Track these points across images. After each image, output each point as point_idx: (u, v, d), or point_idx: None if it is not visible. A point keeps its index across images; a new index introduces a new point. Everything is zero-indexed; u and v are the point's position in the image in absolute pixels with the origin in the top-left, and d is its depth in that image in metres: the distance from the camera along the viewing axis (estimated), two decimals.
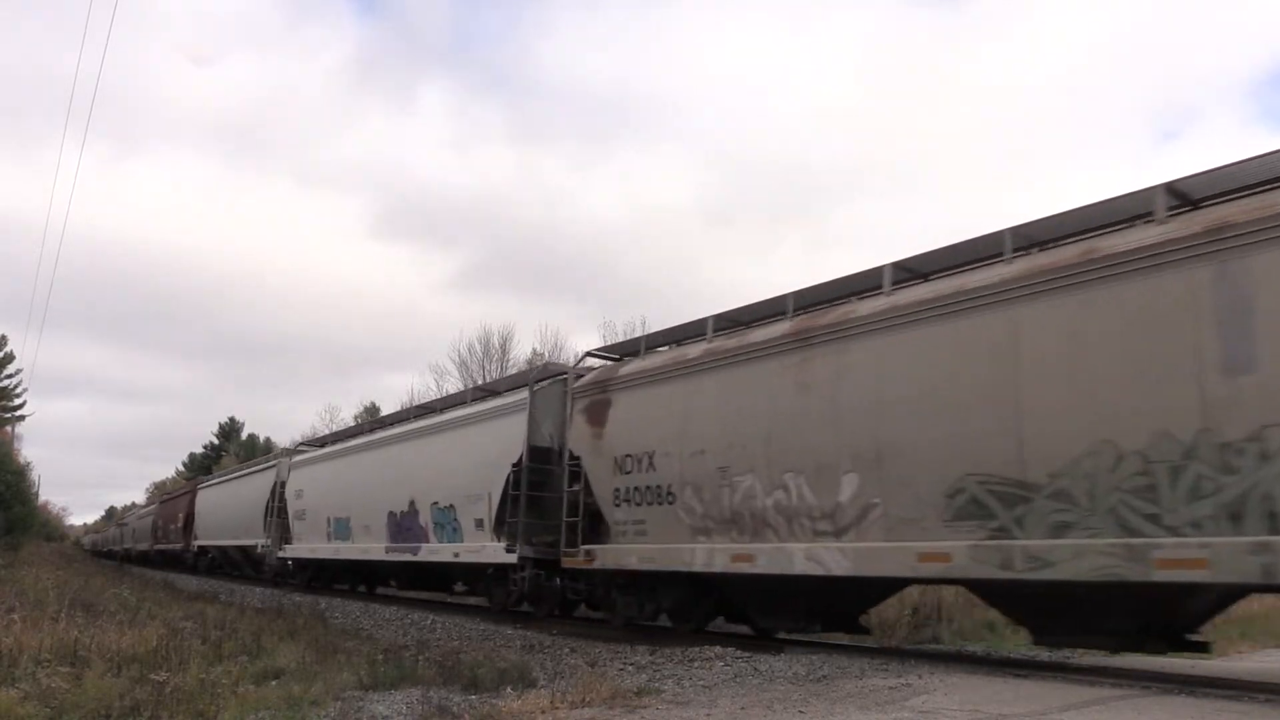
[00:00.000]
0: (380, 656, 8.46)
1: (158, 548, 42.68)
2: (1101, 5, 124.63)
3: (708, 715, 5.74)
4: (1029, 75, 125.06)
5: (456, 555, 15.13)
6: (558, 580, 13.23)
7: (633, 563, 11.39)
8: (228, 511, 29.46)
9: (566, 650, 10.06)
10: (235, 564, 30.87)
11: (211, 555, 33.02)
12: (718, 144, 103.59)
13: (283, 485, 24.15)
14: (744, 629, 11.75)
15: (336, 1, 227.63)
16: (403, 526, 17.10)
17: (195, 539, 33.57)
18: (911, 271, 9.46)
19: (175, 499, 41.19)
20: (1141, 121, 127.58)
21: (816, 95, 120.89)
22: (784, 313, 10.48)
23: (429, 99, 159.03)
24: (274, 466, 25.49)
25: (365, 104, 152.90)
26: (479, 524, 14.43)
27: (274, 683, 7.03)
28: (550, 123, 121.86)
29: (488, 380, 33.22)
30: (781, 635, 11.01)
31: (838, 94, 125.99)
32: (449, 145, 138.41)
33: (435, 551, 15.87)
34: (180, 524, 36.41)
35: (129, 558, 49.16)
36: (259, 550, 25.43)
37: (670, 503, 10.90)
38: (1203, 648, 7.77)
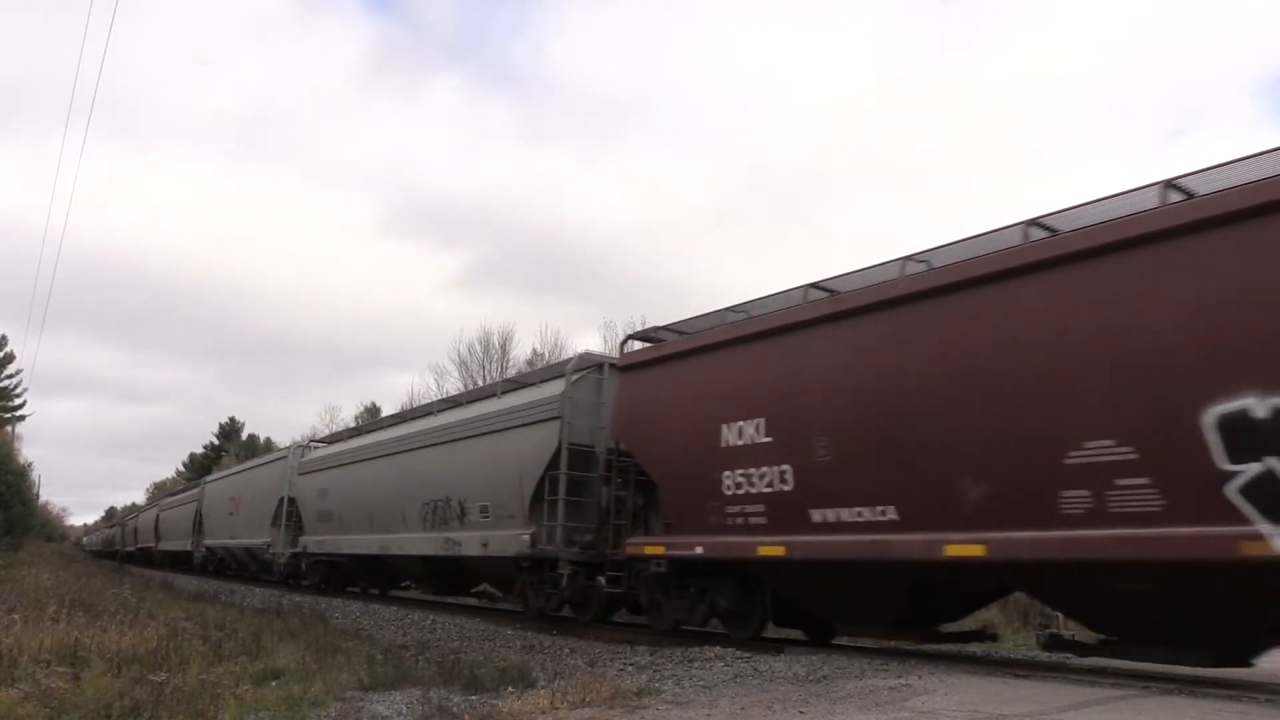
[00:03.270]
0: (380, 656, 8.45)
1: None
2: (1105, 5, 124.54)
3: (708, 715, 5.72)
4: (1034, 75, 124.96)
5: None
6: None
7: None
8: None
9: (566, 650, 10.05)
10: None
11: None
12: (723, 143, 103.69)
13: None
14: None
15: None
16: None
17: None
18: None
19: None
20: (1148, 120, 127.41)
21: (823, 95, 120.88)
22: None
23: (438, 98, 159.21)
24: None
25: (373, 103, 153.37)
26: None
27: (274, 683, 7.00)
28: (559, 121, 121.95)
29: (488, 379, 33.26)
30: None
31: (843, 94, 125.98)
32: (457, 144, 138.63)
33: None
34: None
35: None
36: None
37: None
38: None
